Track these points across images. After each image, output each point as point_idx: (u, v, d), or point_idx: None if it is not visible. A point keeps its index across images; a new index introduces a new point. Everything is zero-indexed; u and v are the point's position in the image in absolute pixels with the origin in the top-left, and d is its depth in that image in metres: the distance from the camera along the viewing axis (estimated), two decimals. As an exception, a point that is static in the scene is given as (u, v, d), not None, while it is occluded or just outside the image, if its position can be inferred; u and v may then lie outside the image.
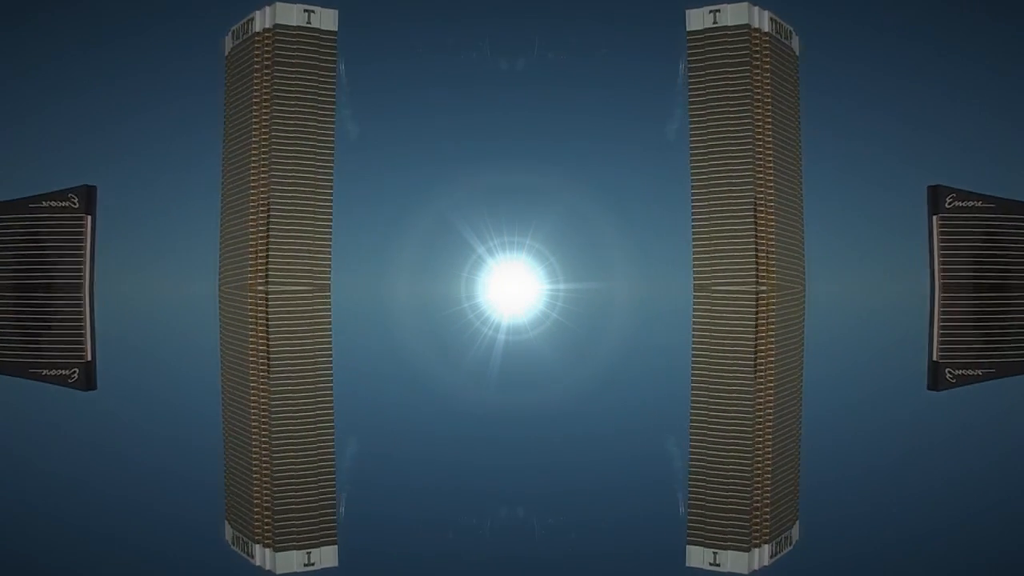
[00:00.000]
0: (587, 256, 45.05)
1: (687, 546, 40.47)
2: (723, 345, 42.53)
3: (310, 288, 40.12)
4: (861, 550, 39.01)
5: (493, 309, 43.32)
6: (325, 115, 40.80)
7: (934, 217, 42.55)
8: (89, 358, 41.42)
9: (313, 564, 38.68)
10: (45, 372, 41.33)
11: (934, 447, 42.25)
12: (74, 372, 41.31)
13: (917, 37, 45.89)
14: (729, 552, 40.21)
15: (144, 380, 43.37)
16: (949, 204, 42.46)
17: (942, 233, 42.39)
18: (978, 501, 39.52)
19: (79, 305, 40.92)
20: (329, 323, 39.94)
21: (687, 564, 40.26)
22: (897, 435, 42.24)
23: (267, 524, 38.81)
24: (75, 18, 43.69)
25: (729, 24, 43.95)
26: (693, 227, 43.92)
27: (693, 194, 43.85)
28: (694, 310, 43.35)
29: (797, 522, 41.84)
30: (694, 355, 42.47)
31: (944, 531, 39.01)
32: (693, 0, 44.13)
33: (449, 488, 40.31)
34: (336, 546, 38.87)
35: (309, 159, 40.61)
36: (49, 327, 41.18)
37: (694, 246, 43.92)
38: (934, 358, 42.42)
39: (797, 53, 45.26)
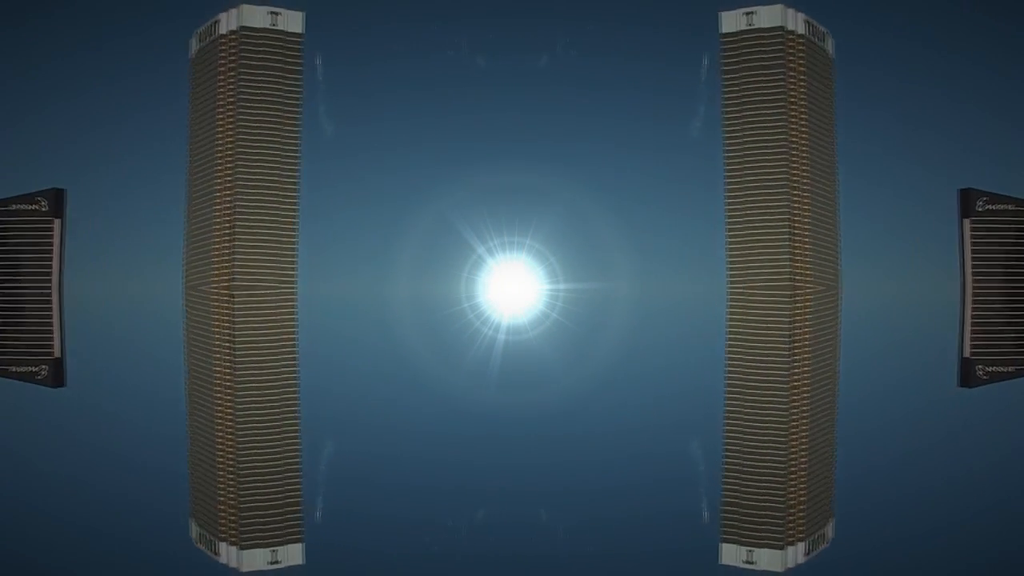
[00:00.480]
0: (608, 255, 45.11)
1: (720, 544, 40.49)
2: (758, 344, 42.42)
3: (276, 288, 40.43)
4: (895, 547, 39.09)
5: (493, 309, 43.55)
6: (291, 118, 41.11)
7: (966, 220, 42.75)
8: (58, 355, 41.65)
9: (279, 562, 39.01)
10: (13, 369, 41.55)
11: (966, 443, 42.45)
12: (42, 369, 41.52)
13: (950, 40, 45.91)
14: (763, 550, 40.23)
15: (113, 377, 43.56)
16: (981, 208, 42.72)
17: (974, 235, 42.56)
18: (1012, 497, 39.95)
19: (47, 303, 41.12)
20: (295, 322, 40.27)
21: (720, 562, 40.26)
22: (929, 432, 42.25)
23: (232, 522, 39.15)
24: (42, 23, 43.80)
25: (764, 26, 43.59)
26: (727, 228, 43.71)
27: (727, 196, 43.69)
28: (728, 311, 43.21)
29: (832, 519, 41.98)
30: (728, 355, 42.34)
31: (975, 527, 39.38)
32: (726, 1, 43.77)
33: (437, 488, 40.64)
34: (302, 544, 39.25)
35: (275, 161, 40.91)
36: (18, 324, 41.38)
37: (728, 246, 43.73)
38: (966, 355, 42.67)
39: (832, 56, 44.89)
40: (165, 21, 44.65)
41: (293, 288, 39.92)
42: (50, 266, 41.23)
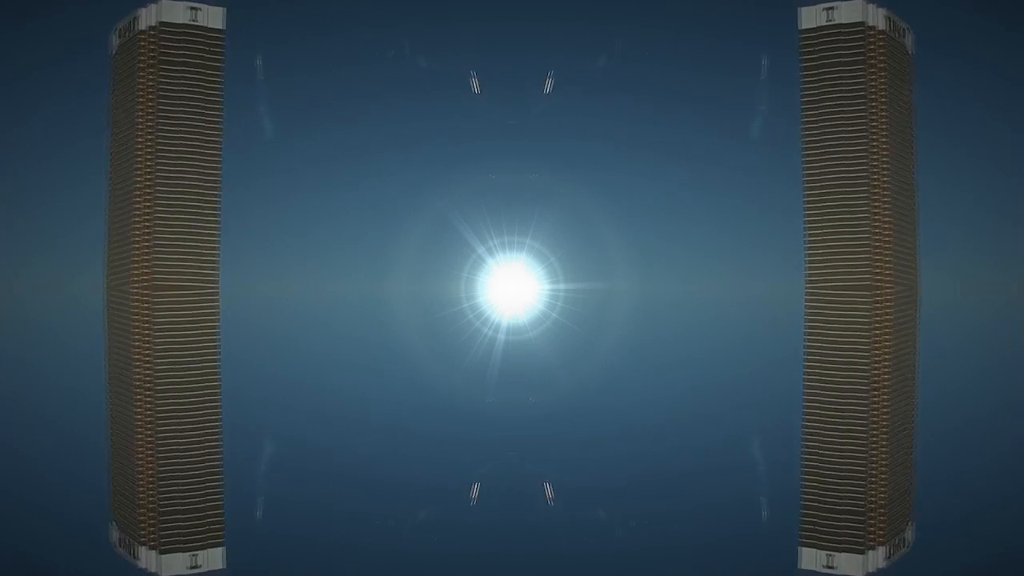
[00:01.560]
0: (692, 256, 44.46)
1: (799, 548, 39.41)
2: (838, 345, 41.68)
3: (197, 287, 39.67)
4: (977, 551, 38.50)
5: (493, 309, 42.87)
6: (212, 114, 40.56)
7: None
8: (-29, 357, 40.60)
9: (199, 566, 37.88)
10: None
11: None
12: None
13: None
14: (844, 554, 39.29)
15: (32, 377, 42.51)
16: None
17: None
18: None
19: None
20: (216, 321, 39.54)
21: (800, 566, 39.32)
22: (1011, 432, 41.67)
23: (152, 525, 38.08)
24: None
25: (843, 22, 42.96)
26: (806, 225, 43.05)
27: (806, 193, 43.17)
28: (806, 311, 42.58)
29: (911, 523, 40.13)
30: (807, 356, 41.65)
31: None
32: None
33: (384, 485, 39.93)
34: (223, 548, 38.25)
35: (195, 158, 40.29)
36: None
37: (807, 245, 43.08)
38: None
39: (911, 52, 44.19)
40: (88, 16, 43.95)
41: (215, 287, 39.26)
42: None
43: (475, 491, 40.35)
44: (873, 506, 40.36)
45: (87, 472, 40.13)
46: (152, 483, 38.90)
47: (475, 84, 40.38)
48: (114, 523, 39.37)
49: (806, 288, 40.55)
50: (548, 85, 40.77)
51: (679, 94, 39.89)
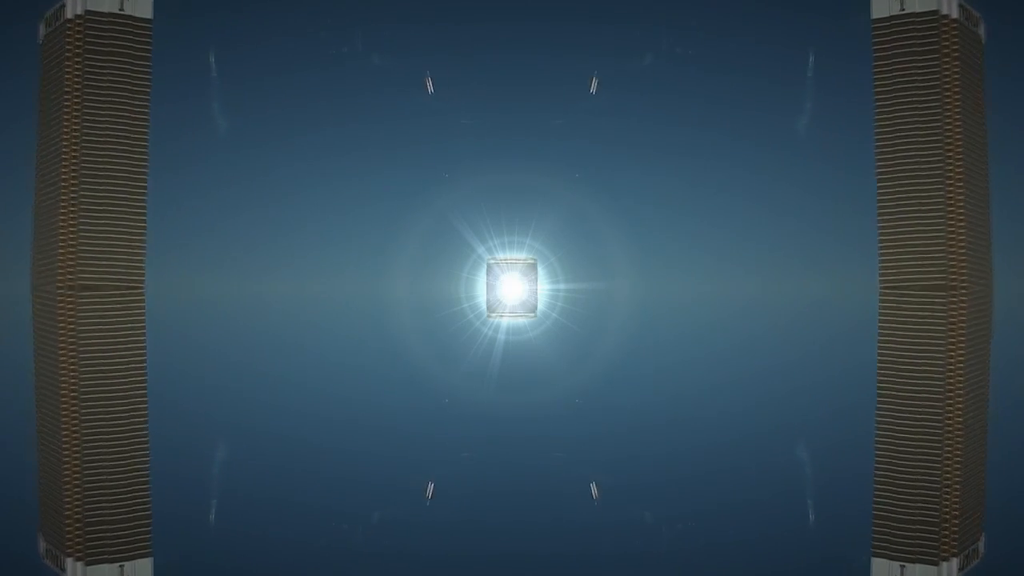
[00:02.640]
0: (753, 254, 43.11)
1: (872, 558, 38.45)
2: (912, 350, 40.20)
3: (122, 287, 38.14)
4: None
5: (493, 309, 41.58)
6: (139, 106, 38.89)
7: None
8: None
9: (127, 577, 36.93)
10: None
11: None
12: None
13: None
14: (917, 565, 38.37)
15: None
16: None
17: None
18: None
19: None
20: (143, 323, 37.96)
21: None
22: None
23: (78, 536, 36.85)
24: None
25: (917, 11, 41.40)
26: (879, 223, 41.50)
27: (879, 190, 41.47)
28: (881, 313, 40.98)
29: (983, 535, 39.43)
30: (880, 362, 40.24)
31: None
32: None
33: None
34: (151, 558, 37.15)
35: (122, 151, 38.65)
36: None
37: (880, 244, 41.51)
38: None
39: (984, 42, 42.71)
40: (14, 3, 42.15)
41: (141, 286, 37.69)
42: None
43: (430, 490, 39.41)
44: (947, 516, 39.22)
45: (19, 482, 38.92)
46: (78, 492, 37.66)
47: (429, 84, 39.09)
48: (41, 534, 38.25)
49: (880, 288, 39.04)
50: (593, 85, 39.43)
51: (746, 86, 39.10)
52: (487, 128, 40.92)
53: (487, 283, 41.21)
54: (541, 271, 41.46)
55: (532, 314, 43.58)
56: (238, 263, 40.53)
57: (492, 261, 41.80)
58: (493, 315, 40.22)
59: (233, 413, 39.66)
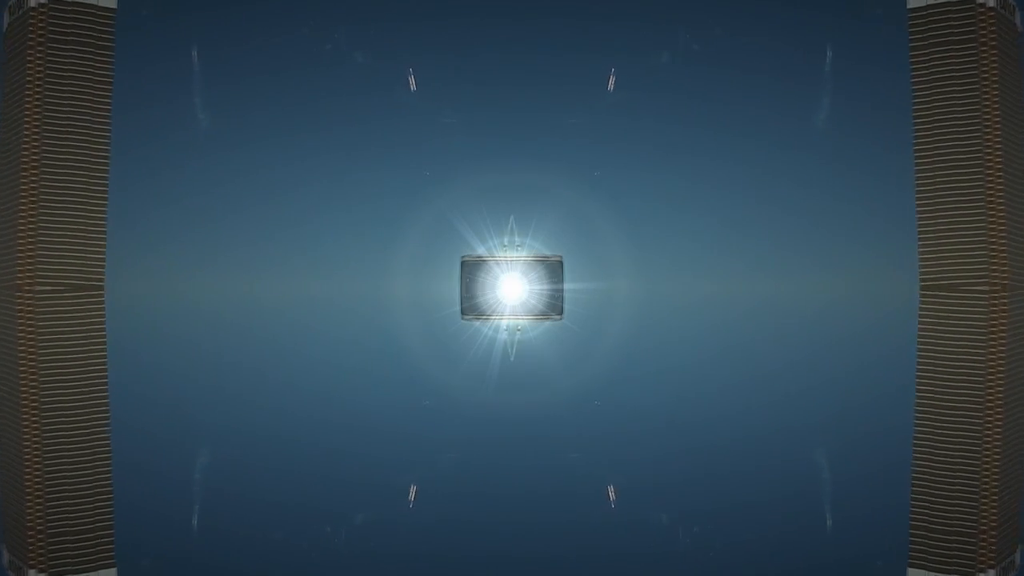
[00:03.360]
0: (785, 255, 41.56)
1: (908, 568, 37.59)
2: (952, 356, 38.65)
3: (83, 287, 36.60)
4: None
5: (492, 309, 40.09)
6: (102, 97, 37.28)
7: None
8: None
9: (90, 589, 35.86)
10: None
11: None
12: None
13: None
14: None
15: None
16: None
17: None
18: None
19: None
20: (103, 325, 36.42)
21: None
22: None
23: (40, 547, 35.62)
24: None
25: (953, 0, 40.05)
26: (918, 218, 39.88)
27: (917, 187, 39.85)
28: (920, 315, 39.37)
29: (1020, 545, 38.71)
30: (919, 368, 38.79)
31: None
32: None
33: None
34: (115, 569, 36.05)
35: (83, 144, 37.09)
36: None
37: (920, 242, 39.87)
38: None
39: (1020, 30, 41.25)
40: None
41: (101, 286, 36.15)
42: None
43: (412, 493, 38.40)
44: (984, 527, 38.33)
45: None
46: (40, 503, 36.34)
47: (412, 82, 37.70)
48: (5, 545, 37.16)
49: (920, 287, 37.46)
50: (610, 82, 38.01)
51: (783, 76, 37.80)
52: (489, 128, 39.70)
53: (463, 282, 39.71)
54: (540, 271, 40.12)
55: (559, 316, 41.78)
56: (203, 262, 39.04)
57: (467, 259, 40.24)
58: (468, 317, 38.72)
59: (202, 416, 38.41)
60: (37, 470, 35.28)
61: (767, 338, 41.27)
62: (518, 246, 39.67)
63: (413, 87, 38.57)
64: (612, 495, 37.86)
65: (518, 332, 38.89)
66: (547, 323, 38.73)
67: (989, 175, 39.16)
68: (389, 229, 41.33)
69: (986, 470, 39.21)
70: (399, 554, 37.95)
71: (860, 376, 41.00)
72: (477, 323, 38.30)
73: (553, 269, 39.18)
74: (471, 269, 38.89)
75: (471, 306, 38.62)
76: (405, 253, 40.47)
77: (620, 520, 39.03)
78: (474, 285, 38.85)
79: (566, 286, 38.97)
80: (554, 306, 38.48)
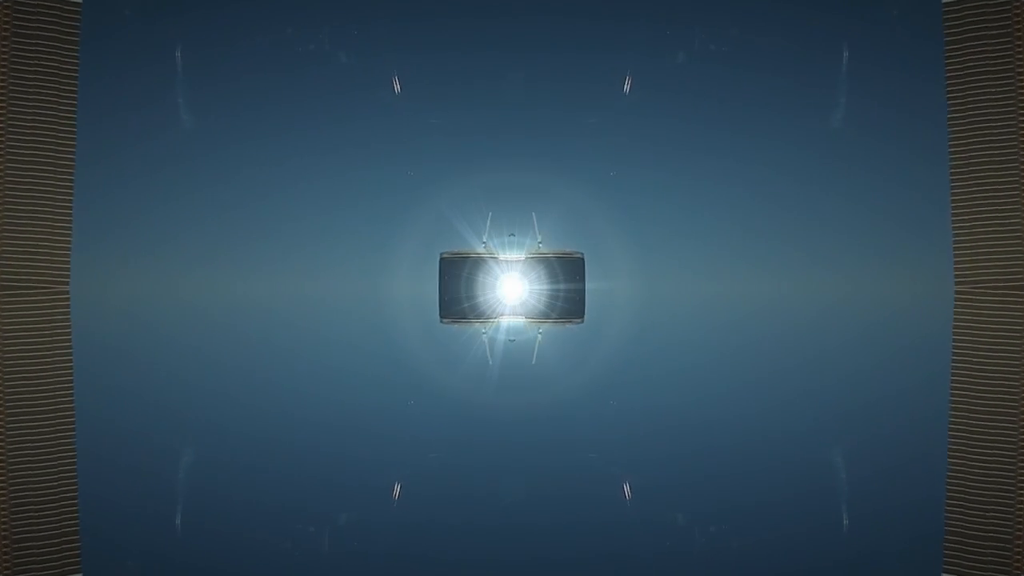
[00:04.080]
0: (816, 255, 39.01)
1: (942, 575, 35.72)
2: (987, 361, 35.92)
3: (46, 286, 35.53)
4: None
5: (491, 309, 38.02)
6: (67, 92, 35.70)
7: None
8: None
9: (57, 598, 35.46)
10: None
11: None
12: None
13: None
14: None
15: None
16: None
17: None
18: None
19: None
20: (68, 328, 35.33)
21: None
22: None
23: (6, 555, 35.39)
24: None
25: None
26: (953, 218, 36.90)
27: (952, 184, 36.78)
28: (955, 320, 36.68)
29: None
30: (954, 372, 36.24)
31: None
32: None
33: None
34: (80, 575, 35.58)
35: (48, 141, 35.63)
36: None
37: (955, 241, 36.87)
38: None
39: None
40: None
41: (66, 285, 35.04)
42: None
43: (396, 491, 36.87)
44: (1020, 533, 36.93)
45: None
46: (5, 510, 35.98)
47: (396, 84, 35.02)
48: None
49: (956, 288, 34.63)
50: (627, 84, 34.99)
51: (801, 76, 35.03)
52: (487, 127, 36.86)
53: (443, 282, 37.24)
54: (531, 271, 37.19)
55: (579, 319, 38.93)
56: (168, 260, 37.48)
57: (446, 255, 37.79)
58: (447, 320, 36.56)
59: (185, 415, 37.27)
60: (1, 475, 34.88)
61: (784, 335, 38.81)
62: (539, 243, 37.19)
63: (398, 89, 36.11)
64: (627, 492, 35.42)
65: (539, 335, 36.51)
66: (569, 327, 36.45)
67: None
68: (387, 227, 39.37)
69: (1021, 474, 36.14)
70: (389, 554, 36.60)
71: (880, 374, 38.38)
72: (456, 327, 36.34)
73: (574, 266, 36.52)
74: (451, 266, 36.55)
75: (454, 308, 36.48)
76: (405, 253, 38.42)
77: (634, 520, 37.31)
78: (456, 284, 36.61)
79: (588, 285, 36.39)
80: (573, 309, 35.93)
